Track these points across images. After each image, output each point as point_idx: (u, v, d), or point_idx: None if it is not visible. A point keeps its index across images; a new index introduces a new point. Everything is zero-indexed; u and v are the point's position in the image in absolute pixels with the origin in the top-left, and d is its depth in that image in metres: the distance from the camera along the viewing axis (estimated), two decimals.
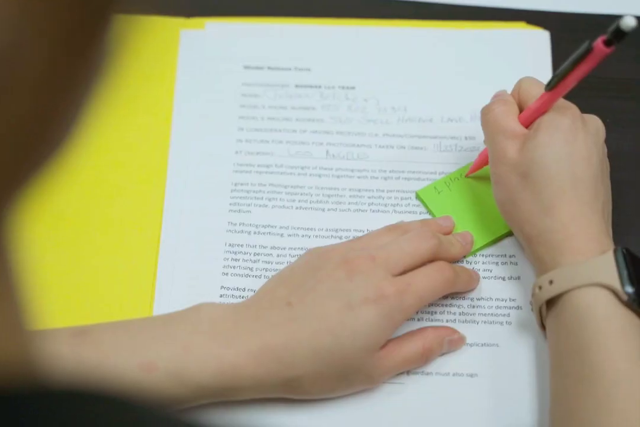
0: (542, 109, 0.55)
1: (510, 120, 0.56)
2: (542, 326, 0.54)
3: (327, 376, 0.53)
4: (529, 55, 0.67)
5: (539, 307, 0.53)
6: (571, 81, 0.53)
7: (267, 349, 0.51)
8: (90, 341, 0.51)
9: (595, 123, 0.56)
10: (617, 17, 0.68)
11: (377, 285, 0.52)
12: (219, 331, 0.52)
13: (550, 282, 0.52)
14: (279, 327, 0.52)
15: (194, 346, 0.51)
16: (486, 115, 0.57)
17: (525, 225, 0.54)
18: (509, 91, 0.59)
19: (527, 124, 0.56)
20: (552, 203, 0.53)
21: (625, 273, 0.50)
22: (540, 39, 0.67)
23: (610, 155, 0.63)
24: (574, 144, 0.53)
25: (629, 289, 0.50)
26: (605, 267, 0.51)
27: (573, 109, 0.55)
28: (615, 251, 0.51)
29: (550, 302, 0.52)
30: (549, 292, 0.52)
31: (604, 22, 0.68)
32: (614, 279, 0.50)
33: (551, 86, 0.54)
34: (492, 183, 0.56)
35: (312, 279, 0.53)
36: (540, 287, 0.52)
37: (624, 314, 0.50)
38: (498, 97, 0.58)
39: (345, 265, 0.53)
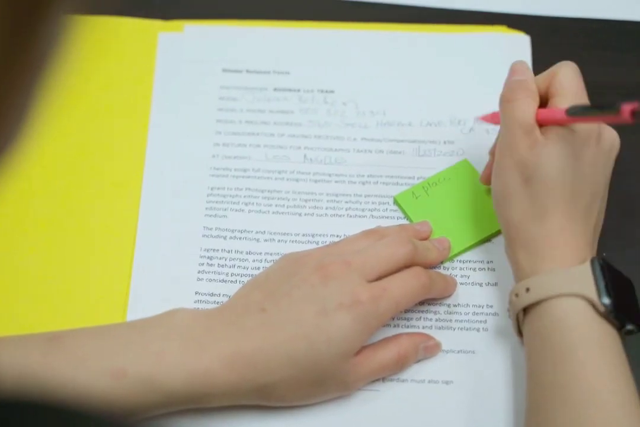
0: (560, 122, 0.53)
1: (531, 115, 0.53)
2: (520, 333, 0.54)
3: (301, 382, 0.52)
4: (509, 59, 0.65)
5: (516, 315, 0.53)
6: (584, 121, 0.52)
7: (241, 355, 0.51)
8: (62, 347, 0.51)
9: (610, 139, 0.54)
10: (599, 22, 0.68)
11: (352, 290, 0.52)
12: (191, 337, 0.51)
13: (527, 289, 0.51)
14: (253, 333, 0.51)
15: (166, 352, 0.50)
16: (507, 104, 0.54)
17: (514, 225, 0.53)
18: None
19: (543, 123, 0.54)
20: (545, 211, 0.52)
21: (602, 284, 0.50)
22: (520, 43, 0.67)
23: None
24: (582, 160, 0.53)
25: (606, 301, 0.50)
26: (583, 277, 0.50)
27: (590, 125, 0.53)
28: (592, 262, 0.51)
29: (527, 310, 0.52)
30: (526, 299, 0.51)
31: (586, 27, 0.68)
32: (591, 290, 0.50)
33: (570, 114, 0.52)
34: (493, 173, 0.55)
35: (287, 284, 0.53)
36: (517, 295, 0.52)
37: (600, 325, 0.50)
38: (521, 83, 0.55)
39: (320, 270, 0.53)
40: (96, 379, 0.50)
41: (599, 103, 0.52)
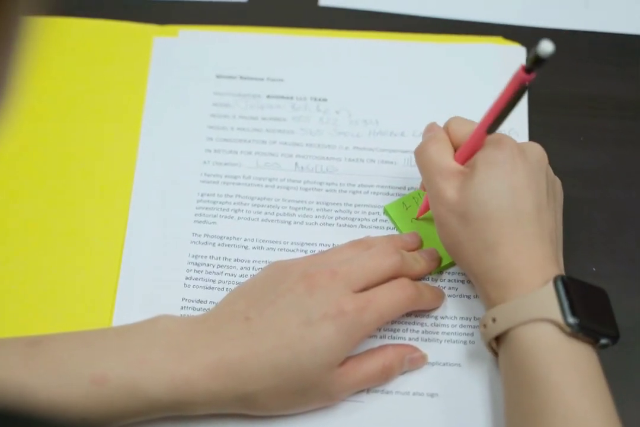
0: (476, 147, 0.53)
1: (445, 158, 0.54)
2: (497, 357, 0.53)
3: (284, 392, 0.52)
4: (504, 70, 0.65)
5: (489, 344, 0.52)
6: (494, 111, 0.51)
7: (223, 363, 0.50)
8: (43, 351, 0.50)
9: (534, 151, 0.54)
10: (597, 35, 0.67)
11: (337, 301, 0.52)
12: (174, 344, 0.51)
13: (494, 320, 0.51)
14: (236, 341, 0.51)
15: (148, 359, 0.50)
16: (420, 155, 0.55)
17: (472, 264, 0.53)
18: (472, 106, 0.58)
19: (464, 161, 0.54)
20: (494, 240, 0.51)
21: (566, 304, 0.49)
22: (516, 55, 0.67)
23: (583, 174, 0.62)
24: (513, 176, 0.52)
25: (571, 320, 0.49)
26: (546, 299, 0.49)
27: (507, 140, 0.53)
28: (555, 281, 0.50)
29: (499, 339, 0.52)
30: (494, 330, 0.51)
31: (583, 39, 0.68)
32: (554, 312, 0.49)
33: (490, 128, 0.52)
34: (436, 225, 0.55)
35: (272, 293, 0.53)
36: (485, 325, 0.52)
37: (571, 345, 0.49)
38: (430, 135, 0.56)
39: (306, 280, 0.52)
40: (77, 384, 0.49)
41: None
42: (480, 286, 0.53)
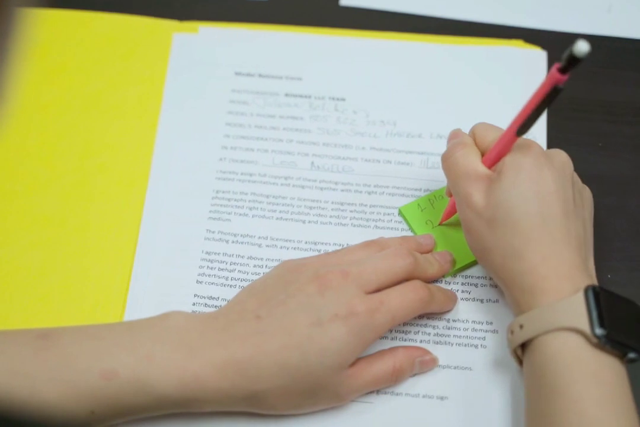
0: (504, 150, 0.53)
1: (472, 162, 0.54)
2: (521, 364, 0.52)
3: (292, 391, 0.52)
4: (524, 74, 0.66)
5: (514, 351, 0.52)
6: (525, 112, 0.51)
7: (232, 362, 0.50)
8: (53, 344, 0.50)
9: (560, 157, 0.54)
10: (619, 40, 0.67)
11: (348, 302, 0.51)
12: (184, 341, 0.51)
13: (521, 326, 0.50)
14: (246, 340, 0.51)
15: (157, 355, 0.50)
16: (447, 160, 0.55)
17: (499, 269, 0.52)
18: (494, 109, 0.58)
19: (491, 166, 0.54)
20: (522, 245, 0.51)
21: (594, 314, 0.49)
22: (536, 58, 0.66)
23: (601, 180, 0.62)
24: (540, 182, 0.52)
25: (599, 331, 0.48)
26: (574, 309, 0.49)
27: (535, 146, 0.53)
28: (585, 291, 0.49)
29: (525, 346, 0.51)
30: (520, 337, 0.50)
31: (604, 45, 0.67)
32: (582, 322, 0.48)
33: (520, 129, 0.52)
34: (463, 231, 0.55)
35: (283, 292, 0.52)
36: (512, 332, 0.51)
37: (596, 357, 0.49)
38: (456, 140, 0.56)
39: (317, 280, 0.52)
40: (86, 379, 0.49)
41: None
42: (509, 292, 0.52)
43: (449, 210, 0.59)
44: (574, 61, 0.47)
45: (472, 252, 0.55)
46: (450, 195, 0.57)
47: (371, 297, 0.52)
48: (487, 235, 0.52)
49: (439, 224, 0.60)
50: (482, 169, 0.54)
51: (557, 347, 0.49)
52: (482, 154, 0.55)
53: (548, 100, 0.50)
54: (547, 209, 0.51)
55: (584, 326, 0.48)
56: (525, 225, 0.51)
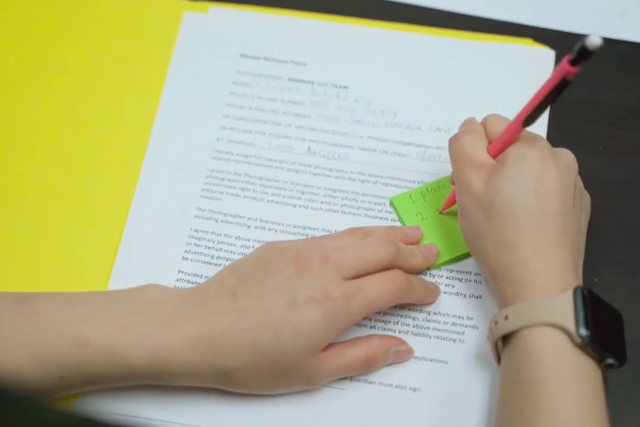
0: (510, 140, 0.53)
1: (478, 150, 0.54)
2: (498, 360, 0.52)
3: (264, 371, 0.52)
4: (531, 72, 0.65)
5: (495, 342, 0.52)
6: (533, 102, 0.51)
7: (205, 337, 0.51)
8: (30, 309, 0.51)
9: (566, 157, 0.54)
10: (630, 44, 0.66)
11: (325, 286, 0.52)
12: (159, 314, 0.51)
13: (506, 317, 0.50)
14: (221, 317, 0.51)
15: (131, 325, 0.51)
16: (454, 144, 0.55)
17: (490, 258, 0.52)
18: (498, 105, 0.58)
19: (496, 155, 0.54)
20: (516, 237, 0.51)
21: (581, 315, 0.49)
22: (544, 58, 0.66)
23: (597, 183, 0.61)
24: (543, 177, 0.52)
25: (583, 332, 0.48)
26: (562, 307, 0.49)
27: (542, 141, 0.53)
28: (574, 291, 0.49)
29: (506, 338, 0.51)
30: (504, 328, 0.50)
31: (614, 48, 0.67)
32: (568, 320, 0.49)
33: (526, 120, 0.52)
34: (459, 215, 0.55)
35: (262, 272, 0.53)
36: (496, 322, 0.51)
37: (575, 356, 0.48)
38: (467, 127, 0.56)
39: (297, 262, 0.52)
40: (58, 343, 0.50)
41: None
42: (496, 282, 0.52)
43: (452, 197, 0.59)
44: (585, 53, 0.47)
45: (465, 239, 0.55)
46: (454, 183, 0.57)
47: (349, 283, 0.52)
48: (482, 222, 0.52)
49: (440, 212, 0.60)
50: (486, 157, 0.54)
51: (540, 342, 0.49)
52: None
53: (556, 92, 0.50)
54: (545, 205, 0.51)
55: (569, 324, 0.48)
56: (521, 217, 0.51)
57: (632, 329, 0.57)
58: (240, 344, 0.51)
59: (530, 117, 0.52)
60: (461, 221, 0.55)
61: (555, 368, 0.48)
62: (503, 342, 0.51)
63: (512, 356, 0.50)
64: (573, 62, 0.48)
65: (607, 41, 0.66)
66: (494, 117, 0.56)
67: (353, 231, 0.56)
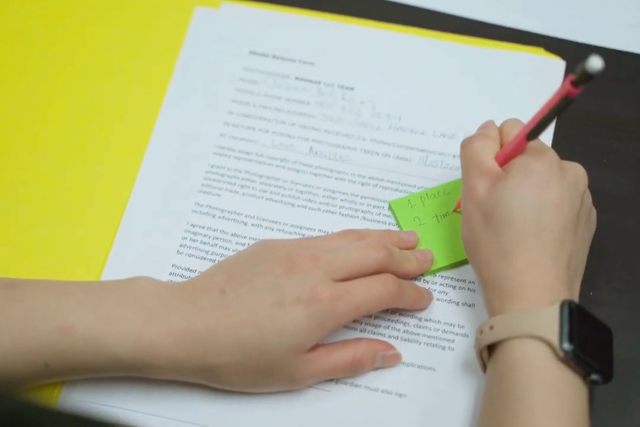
0: (517, 150, 0.53)
1: (486, 156, 0.54)
2: (484, 369, 0.52)
3: (248, 369, 0.52)
4: (540, 82, 0.65)
5: (480, 352, 0.51)
6: (536, 118, 0.51)
7: (190, 332, 0.51)
8: (17, 295, 0.51)
9: (575, 171, 0.53)
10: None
11: (313, 287, 0.51)
12: (146, 307, 0.51)
13: (491, 327, 0.50)
14: (207, 312, 0.51)
15: (117, 317, 0.51)
16: (465, 147, 0.55)
17: (483, 266, 0.52)
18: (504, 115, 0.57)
19: (503, 163, 0.54)
20: (511, 248, 0.51)
21: (566, 329, 0.48)
22: (554, 68, 0.65)
23: (600, 196, 0.61)
24: (545, 191, 0.51)
25: (566, 346, 0.48)
26: (547, 320, 0.48)
27: (550, 153, 0.53)
28: (562, 304, 0.49)
29: (492, 348, 0.51)
30: (488, 338, 0.50)
31: (625, 60, 0.66)
32: (552, 334, 0.48)
33: (530, 134, 0.52)
34: (462, 219, 0.55)
35: (252, 270, 0.53)
36: (481, 332, 0.51)
37: (558, 370, 0.48)
38: (482, 131, 0.56)
39: (287, 262, 0.52)
40: (44, 330, 0.50)
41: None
42: (486, 292, 0.52)
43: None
44: (586, 77, 0.46)
45: (463, 244, 0.54)
46: None
47: (337, 285, 0.52)
48: (480, 229, 0.52)
49: (454, 211, 0.59)
50: (493, 164, 0.53)
51: (523, 353, 0.48)
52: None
53: (558, 110, 0.49)
54: (545, 219, 0.51)
55: (553, 337, 0.48)
56: (519, 229, 0.51)
57: (626, 345, 0.57)
58: (225, 341, 0.51)
59: (533, 131, 0.51)
60: (462, 225, 0.54)
61: (536, 381, 0.48)
62: (489, 352, 0.51)
63: (496, 366, 0.50)
64: (575, 84, 0.47)
65: (621, 53, 0.66)
66: (512, 121, 0.56)
67: (347, 233, 0.56)
